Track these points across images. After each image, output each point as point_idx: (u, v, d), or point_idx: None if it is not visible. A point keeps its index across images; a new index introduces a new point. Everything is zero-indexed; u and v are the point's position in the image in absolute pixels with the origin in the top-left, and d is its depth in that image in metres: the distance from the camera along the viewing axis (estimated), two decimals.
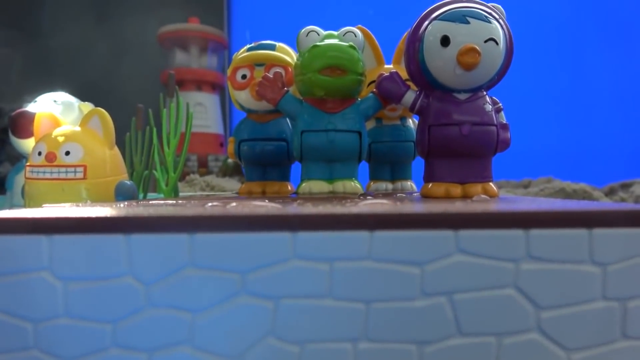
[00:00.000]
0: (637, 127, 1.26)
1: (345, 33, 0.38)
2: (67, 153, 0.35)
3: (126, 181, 0.37)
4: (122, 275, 0.18)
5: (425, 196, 0.32)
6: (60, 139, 0.35)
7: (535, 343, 0.18)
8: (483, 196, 0.29)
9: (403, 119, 0.44)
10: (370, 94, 0.38)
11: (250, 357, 0.18)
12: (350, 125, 0.37)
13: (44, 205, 0.27)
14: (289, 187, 0.44)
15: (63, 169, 0.35)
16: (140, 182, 0.50)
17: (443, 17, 0.30)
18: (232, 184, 0.72)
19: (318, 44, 0.36)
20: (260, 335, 0.18)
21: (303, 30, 0.38)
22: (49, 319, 0.18)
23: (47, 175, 0.35)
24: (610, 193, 0.76)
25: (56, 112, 0.44)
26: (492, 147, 0.33)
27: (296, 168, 0.45)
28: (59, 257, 0.18)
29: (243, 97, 0.42)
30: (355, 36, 0.38)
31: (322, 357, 0.18)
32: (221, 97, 1.10)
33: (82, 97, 0.54)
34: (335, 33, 0.38)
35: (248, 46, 0.44)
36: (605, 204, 0.21)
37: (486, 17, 0.30)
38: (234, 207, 0.21)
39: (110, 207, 0.22)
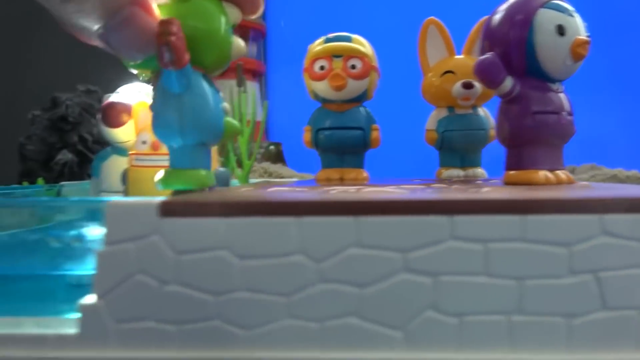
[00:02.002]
0: None
1: None
2: None
3: (221, 168, 0.39)
4: (294, 253, 0.20)
5: (516, 183, 0.34)
6: None
7: None
8: (583, 183, 0.31)
9: (474, 107, 0.46)
10: None
11: (412, 328, 0.20)
12: None
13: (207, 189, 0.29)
14: (365, 174, 0.46)
15: (167, 157, 0.37)
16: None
17: (552, 7, 0.31)
18: (287, 170, 0.74)
19: None
20: (420, 308, 0.20)
21: None
22: (229, 292, 0.21)
23: (152, 163, 0.37)
24: None
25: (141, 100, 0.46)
26: (572, 135, 0.35)
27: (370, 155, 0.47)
28: (236, 237, 0.20)
29: (321, 87, 0.44)
30: None
31: (479, 329, 0.20)
32: (260, 85, 1.12)
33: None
34: None
35: (324, 37, 0.46)
36: None
37: (577, 12, 0.32)
38: (385, 193, 0.23)
39: (278, 193, 0.24)
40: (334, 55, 0.44)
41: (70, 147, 0.82)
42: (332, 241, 0.20)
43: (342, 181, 0.45)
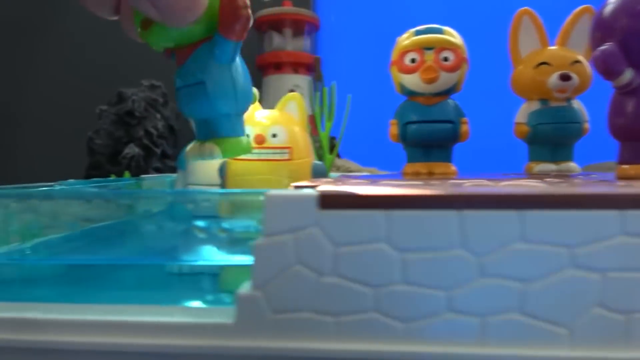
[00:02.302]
0: None
1: None
2: (274, 135, 0.37)
3: (318, 162, 0.39)
4: (454, 247, 0.20)
5: (631, 177, 0.33)
6: (266, 122, 0.38)
7: None
8: None
9: (568, 100, 0.45)
10: None
11: (578, 325, 0.20)
12: None
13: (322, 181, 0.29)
14: (453, 168, 0.45)
15: (271, 151, 0.37)
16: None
17: None
18: (353, 165, 0.74)
19: None
20: (588, 305, 0.20)
21: None
22: (388, 285, 0.21)
23: (256, 157, 0.37)
24: None
25: None
26: None
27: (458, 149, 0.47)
28: (396, 230, 0.20)
29: (411, 81, 0.44)
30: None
31: None
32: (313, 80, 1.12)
33: None
34: None
35: (413, 30, 0.45)
36: None
37: None
38: (549, 188, 0.23)
39: (435, 187, 0.24)
40: (425, 47, 0.43)
41: (136, 141, 0.84)
42: (494, 235, 0.20)
43: (430, 175, 0.44)
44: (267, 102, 1.14)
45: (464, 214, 0.20)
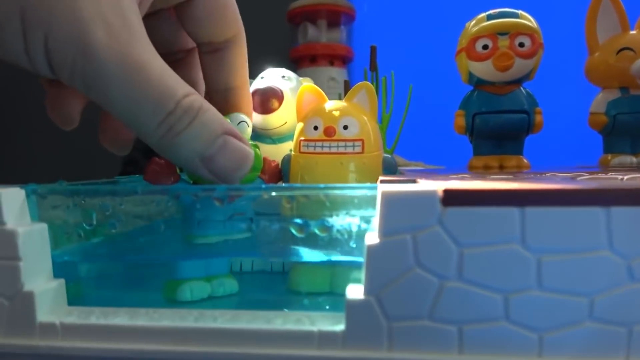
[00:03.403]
0: None
1: (239, 122, 0.37)
2: (345, 127, 0.35)
3: (388, 155, 0.37)
4: (600, 248, 0.18)
5: None
6: (336, 113, 0.36)
7: None
8: None
9: None
10: None
11: None
12: None
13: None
14: (526, 161, 0.43)
15: (342, 143, 0.35)
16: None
17: None
18: (399, 159, 0.71)
19: None
20: None
21: None
22: (520, 291, 0.18)
23: (326, 150, 0.35)
24: None
25: (289, 86, 0.45)
26: None
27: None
28: (531, 229, 0.18)
29: (482, 68, 0.41)
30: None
31: None
32: (348, 72, 1.10)
33: None
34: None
35: (485, 14, 0.42)
36: None
37: None
38: None
39: (577, 180, 0.22)
40: (499, 32, 0.41)
41: None
42: None
43: (502, 169, 0.42)
44: None
45: (610, 210, 0.18)
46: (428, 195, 0.19)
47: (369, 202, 0.22)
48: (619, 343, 0.18)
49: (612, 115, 0.42)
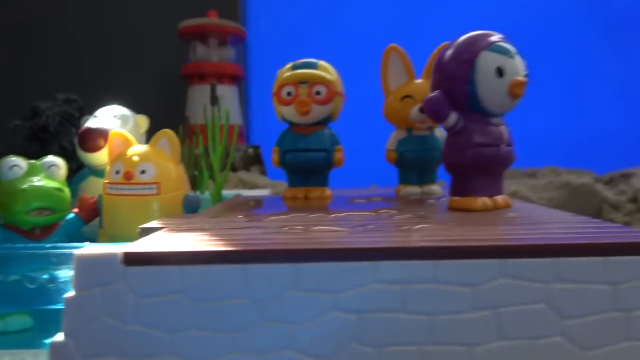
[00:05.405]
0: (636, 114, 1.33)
1: (50, 166, 0.40)
2: (143, 172, 0.40)
3: (190, 193, 0.42)
4: (239, 296, 0.23)
5: (457, 208, 0.37)
6: (135, 158, 0.40)
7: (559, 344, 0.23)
8: (511, 214, 0.34)
9: (431, 129, 0.49)
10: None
11: (339, 358, 0.23)
12: None
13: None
14: (328, 192, 0.49)
15: (139, 186, 0.39)
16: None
17: (493, 49, 0.34)
18: (261, 180, 0.77)
19: (24, 187, 0.38)
20: (345, 340, 0.23)
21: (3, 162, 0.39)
22: (182, 330, 0.24)
23: (125, 192, 0.40)
24: (610, 182, 0.80)
25: (116, 126, 0.49)
26: (511, 163, 0.38)
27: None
28: (190, 282, 0.23)
29: (288, 112, 0.47)
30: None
31: (396, 357, 0.23)
32: (239, 89, 1.14)
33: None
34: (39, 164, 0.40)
35: (292, 64, 0.48)
36: (618, 231, 0.26)
37: (519, 53, 0.36)
38: (325, 235, 0.26)
39: (226, 238, 0.27)
40: (300, 81, 0.46)
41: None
42: (272, 286, 0.23)
43: (307, 199, 0.48)
44: (191, 112, 1.16)
45: (246, 268, 0.23)
46: (111, 257, 0.24)
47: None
48: None
49: (400, 152, 0.49)
